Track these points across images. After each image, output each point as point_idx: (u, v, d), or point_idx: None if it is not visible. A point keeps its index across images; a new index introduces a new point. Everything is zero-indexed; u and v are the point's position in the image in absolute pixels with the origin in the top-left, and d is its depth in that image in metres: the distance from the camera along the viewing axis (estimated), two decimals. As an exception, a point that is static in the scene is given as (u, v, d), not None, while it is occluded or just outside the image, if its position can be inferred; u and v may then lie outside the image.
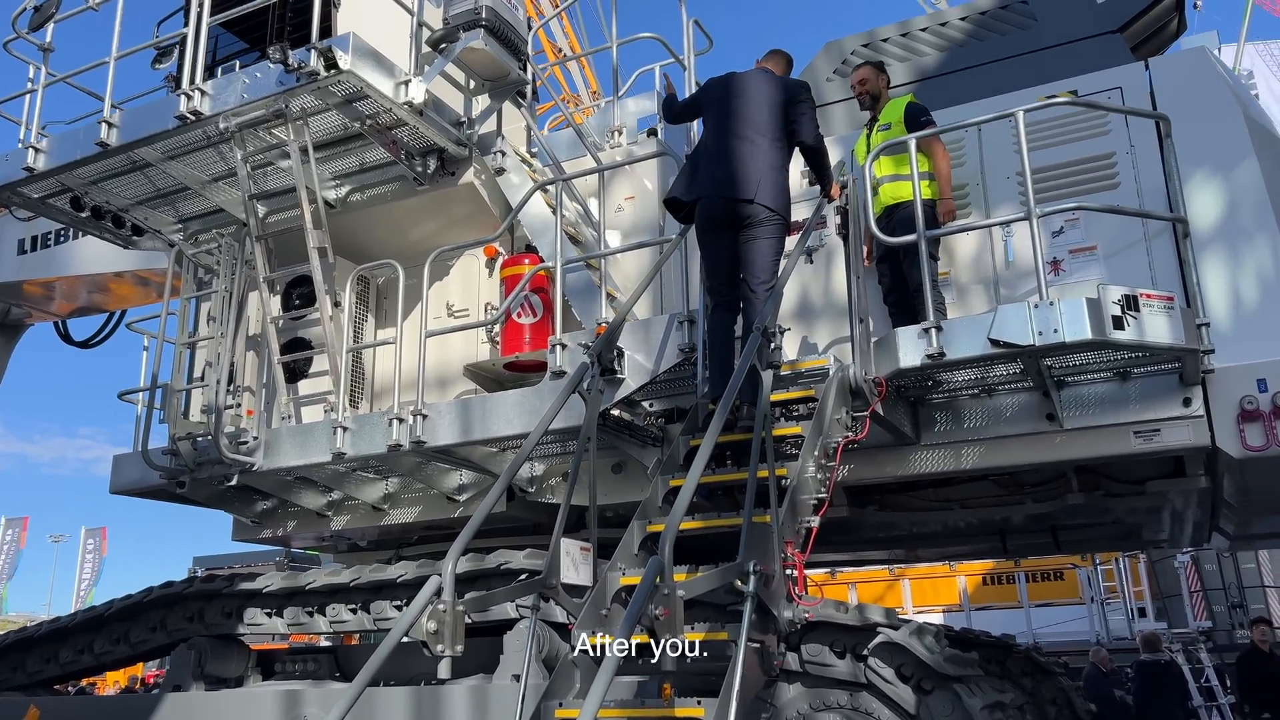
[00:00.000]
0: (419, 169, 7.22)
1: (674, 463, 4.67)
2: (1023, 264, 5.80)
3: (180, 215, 8.07)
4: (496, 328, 7.02)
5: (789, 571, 3.59)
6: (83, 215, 7.71)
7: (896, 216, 5.68)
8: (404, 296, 6.94)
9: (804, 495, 4.12)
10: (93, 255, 10.54)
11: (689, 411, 5.07)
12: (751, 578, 3.22)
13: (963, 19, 6.93)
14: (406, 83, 6.56)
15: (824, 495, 4.21)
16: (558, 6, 22.79)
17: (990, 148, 6.07)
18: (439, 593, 3.42)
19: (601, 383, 4.74)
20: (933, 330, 4.79)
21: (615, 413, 5.99)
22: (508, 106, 7.69)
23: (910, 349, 4.85)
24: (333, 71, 6.19)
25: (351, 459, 6.47)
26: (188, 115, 6.66)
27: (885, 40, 7.14)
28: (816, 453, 4.35)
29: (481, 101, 7.26)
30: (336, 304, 7.28)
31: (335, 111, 6.68)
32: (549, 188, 6.86)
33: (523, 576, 5.77)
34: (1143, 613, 17.74)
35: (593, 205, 7.15)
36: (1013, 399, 5.55)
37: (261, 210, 7.56)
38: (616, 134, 7.39)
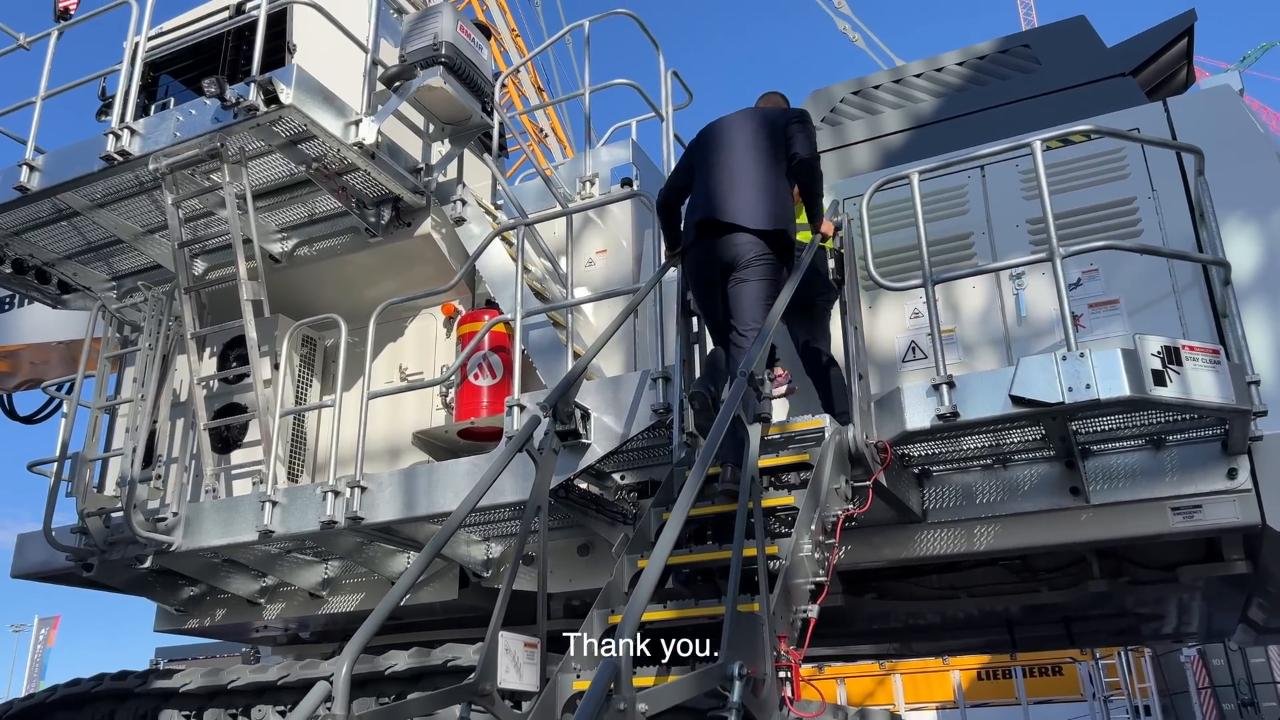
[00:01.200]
0: (371, 219, 6.62)
1: (643, 540, 3.96)
2: (1037, 319, 5.19)
3: (114, 271, 7.42)
4: (451, 391, 6.34)
5: (782, 674, 2.87)
6: (3, 270, 7.03)
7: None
8: (349, 356, 6.28)
9: (799, 579, 3.40)
10: (39, 324, 9.86)
11: (664, 482, 4.37)
12: (737, 684, 2.51)
13: (960, 64, 6.46)
14: (357, 122, 6.00)
15: (823, 579, 3.50)
16: (525, 56, 22.32)
17: (996, 194, 5.52)
18: (328, 701, 2.66)
19: (558, 443, 4.04)
20: (944, 386, 4.14)
21: (582, 485, 5.28)
22: (471, 156, 7.17)
23: (918, 409, 4.19)
24: (273, 107, 5.62)
25: (282, 538, 5.70)
26: (115, 156, 6.05)
27: (876, 87, 6.66)
28: (813, 528, 3.65)
29: (442, 148, 6.70)
30: (276, 366, 6.60)
31: (279, 154, 6.09)
32: (512, 238, 6.26)
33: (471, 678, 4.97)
34: (1147, 710, 16.79)
35: (563, 263, 6.56)
36: (1031, 470, 4.88)
37: (201, 266, 6.94)
38: (588, 184, 6.82)
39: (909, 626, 7.60)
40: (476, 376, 6.02)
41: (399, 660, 5.39)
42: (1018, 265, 4.57)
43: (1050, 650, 14.40)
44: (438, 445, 6.27)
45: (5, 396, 11.67)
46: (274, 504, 5.61)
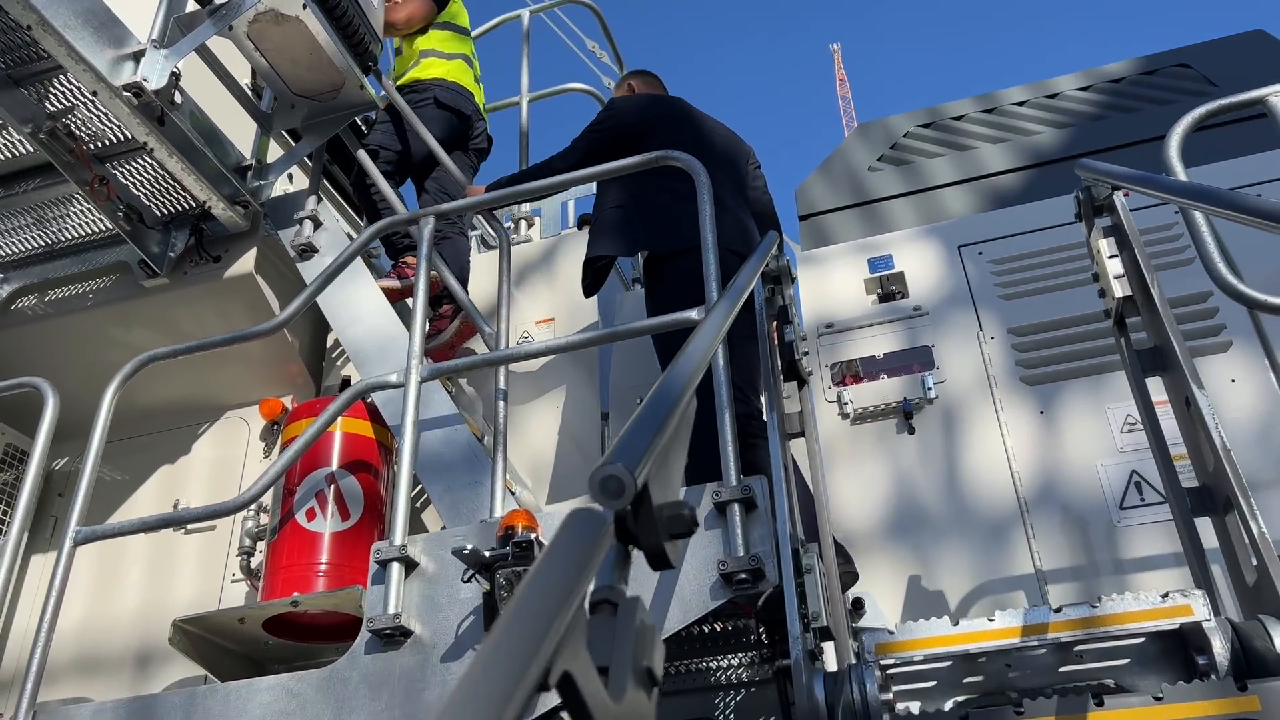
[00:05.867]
0: (155, 248, 3.89)
1: None
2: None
3: None
4: (259, 546, 3.50)
5: None
6: None
7: None
8: (89, 486, 3.37)
9: None
10: None
11: None
12: None
13: (1084, 88, 4.43)
14: (138, 55, 3.38)
15: None
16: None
17: (1238, 237, 3.32)
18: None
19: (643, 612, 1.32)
20: None
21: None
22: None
23: None
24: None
25: None
26: None
27: (958, 118, 4.54)
28: None
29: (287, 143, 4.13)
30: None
31: (-15, 102, 3.38)
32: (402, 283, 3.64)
33: None
34: None
35: (488, 325, 3.96)
36: None
37: None
38: (524, 223, 4.33)
39: None
40: (310, 516, 3.20)
41: None
42: None
43: None
44: (222, 648, 3.30)
45: None
46: None
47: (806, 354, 2.43)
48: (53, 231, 4.08)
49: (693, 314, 2.38)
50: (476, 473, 3.06)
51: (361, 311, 3.53)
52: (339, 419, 3.35)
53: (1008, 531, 3.04)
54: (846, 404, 3.34)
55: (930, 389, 3.30)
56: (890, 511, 3.16)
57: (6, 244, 4.08)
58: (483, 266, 4.04)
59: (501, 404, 3.06)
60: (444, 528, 2.94)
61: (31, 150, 3.75)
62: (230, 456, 4.09)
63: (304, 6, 3.53)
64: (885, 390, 3.34)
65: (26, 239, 4.08)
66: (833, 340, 3.51)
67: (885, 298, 3.63)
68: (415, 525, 3.50)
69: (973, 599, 2.98)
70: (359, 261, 3.67)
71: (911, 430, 3.26)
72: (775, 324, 2.45)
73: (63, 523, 3.35)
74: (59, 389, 3.97)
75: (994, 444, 3.17)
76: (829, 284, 3.72)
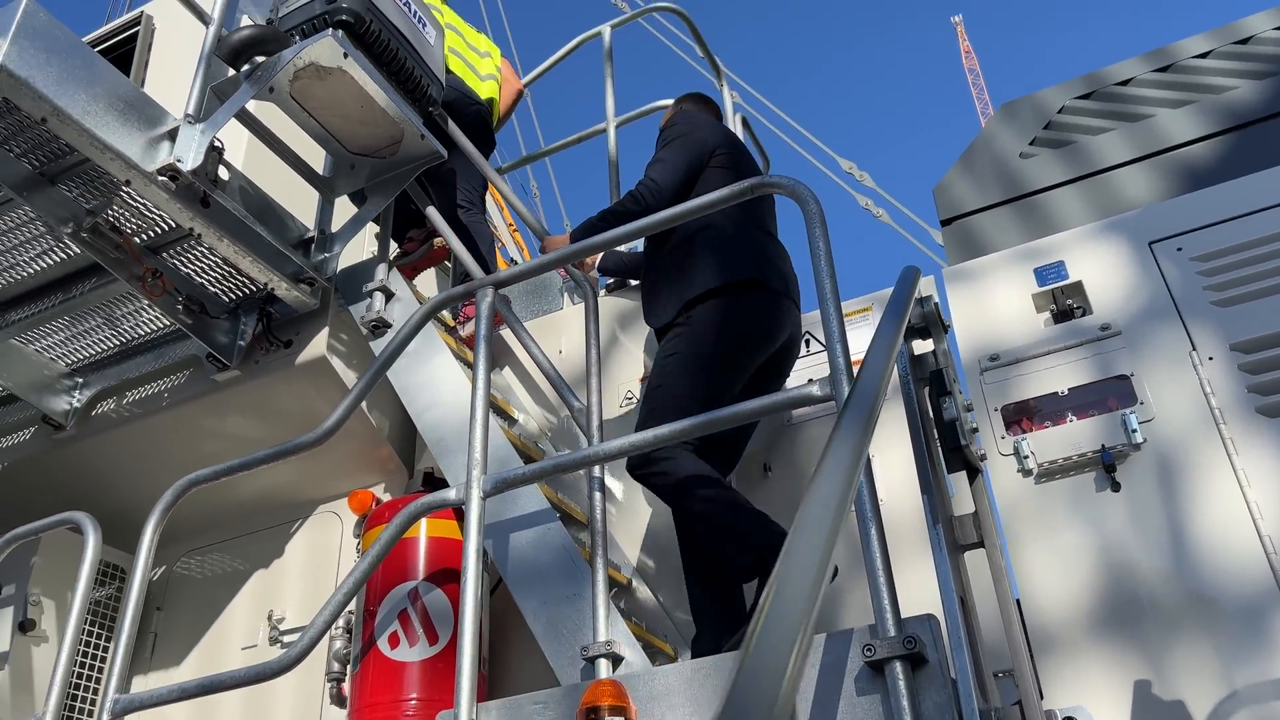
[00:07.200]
0: (223, 338, 3.56)
1: None
2: None
3: None
4: (348, 671, 3.08)
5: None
6: None
7: None
8: (169, 603, 3.10)
9: None
10: None
11: None
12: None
13: (1283, 27, 3.61)
14: (172, 134, 3.04)
15: None
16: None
17: None
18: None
19: None
20: None
21: None
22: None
23: None
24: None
25: None
26: None
27: (1124, 83, 3.78)
28: None
29: (345, 202, 3.73)
30: (24, 625, 3.40)
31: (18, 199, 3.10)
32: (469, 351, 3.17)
33: None
34: None
35: (580, 395, 3.46)
36: None
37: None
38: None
39: None
40: (394, 643, 2.75)
41: None
42: None
43: None
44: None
45: None
46: None
47: (976, 430, 1.81)
48: (125, 330, 3.82)
49: (814, 389, 1.80)
50: (577, 583, 2.55)
51: (441, 394, 3.08)
52: (422, 521, 2.92)
53: (1265, 615, 2.32)
54: (1026, 457, 2.66)
55: (1135, 431, 2.59)
56: (1098, 596, 2.47)
57: (78, 348, 3.84)
58: (573, 323, 3.54)
59: (598, 497, 2.55)
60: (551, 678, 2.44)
61: (79, 257, 3.48)
62: (325, 553, 3.72)
63: (345, 55, 3.12)
64: (1075, 436, 2.65)
65: (98, 340, 3.83)
66: (1000, 377, 2.84)
67: (1061, 316, 2.93)
68: (519, 634, 3.01)
69: (1227, 711, 2.27)
70: (434, 336, 3.23)
71: (1116, 486, 2.56)
72: (928, 392, 1.84)
73: (161, 639, 3.09)
74: (155, 489, 3.71)
75: (1231, 498, 2.44)
76: (987, 304, 3.04)
